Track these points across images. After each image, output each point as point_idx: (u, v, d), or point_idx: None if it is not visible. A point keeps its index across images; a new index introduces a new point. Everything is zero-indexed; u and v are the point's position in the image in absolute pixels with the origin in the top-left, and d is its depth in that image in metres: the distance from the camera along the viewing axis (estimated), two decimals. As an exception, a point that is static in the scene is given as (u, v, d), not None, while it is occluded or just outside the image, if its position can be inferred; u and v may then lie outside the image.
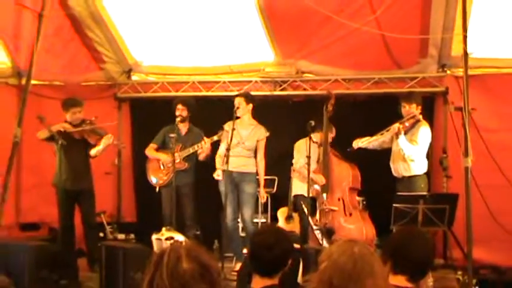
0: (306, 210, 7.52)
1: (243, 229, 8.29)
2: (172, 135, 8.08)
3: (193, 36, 8.70)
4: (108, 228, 8.94)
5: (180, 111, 8.26)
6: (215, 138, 7.99)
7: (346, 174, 7.89)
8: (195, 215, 8.30)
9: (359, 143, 7.65)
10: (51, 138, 7.78)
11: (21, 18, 8.22)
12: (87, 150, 7.92)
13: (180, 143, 8.20)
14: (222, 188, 7.82)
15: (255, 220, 8.40)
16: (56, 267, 6.64)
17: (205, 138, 8.06)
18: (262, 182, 8.08)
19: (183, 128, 8.34)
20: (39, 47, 6.73)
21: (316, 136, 7.94)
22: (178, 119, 8.23)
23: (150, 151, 8.47)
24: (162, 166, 8.32)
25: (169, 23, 8.53)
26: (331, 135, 8.06)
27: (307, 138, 7.71)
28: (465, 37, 6.27)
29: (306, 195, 7.63)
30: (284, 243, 3.68)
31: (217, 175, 7.89)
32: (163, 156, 8.31)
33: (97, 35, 8.77)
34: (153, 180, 8.38)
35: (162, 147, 8.43)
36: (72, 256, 7.68)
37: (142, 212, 9.76)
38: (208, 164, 8.17)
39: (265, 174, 8.16)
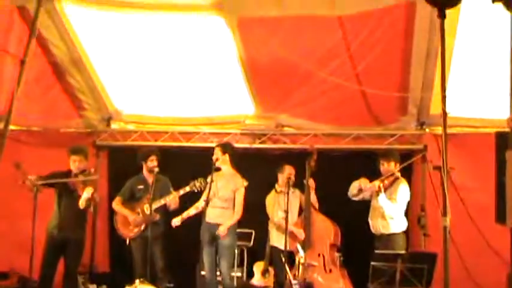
0: (284, 261, 7.47)
1: (220, 282, 8.17)
2: (140, 186, 8.10)
3: (175, 87, 8.72)
4: (79, 279, 8.76)
5: (154, 161, 8.20)
6: (187, 189, 7.91)
7: (328, 230, 7.87)
8: (166, 267, 8.18)
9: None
10: (49, 184, 7.71)
11: (2, 64, 8.20)
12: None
13: (150, 194, 8.09)
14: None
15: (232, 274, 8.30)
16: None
17: (173, 192, 8.00)
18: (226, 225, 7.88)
19: (150, 177, 8.23)
20: (19, 92, 6.68)
21: (279, 186, 8.03)
22: (147, 170, 8.19)
23: (117, 205, 8.35)
24: (132, 218, 8.19)
25: (151, 73, 8.55)
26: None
27: (273, 190, 7.75)
28: (444, 97, 6.31)
29: (281, 246, 7.61)
30: None
31: (176, 221, 7.88)
32: (130, 212, 8.19)
33: (78, 81, 8.74)
34: (122, 233, 8.25)
35: (130, 199, 8.31)
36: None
37: (116, 262, 9.60)
38: (172, 214, 8.12)
39: (242, 227, 8.08)
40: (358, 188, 7.61)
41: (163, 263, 8.11)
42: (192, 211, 7.97)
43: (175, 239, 8.34)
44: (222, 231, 7.73)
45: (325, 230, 7.88)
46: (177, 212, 8.10)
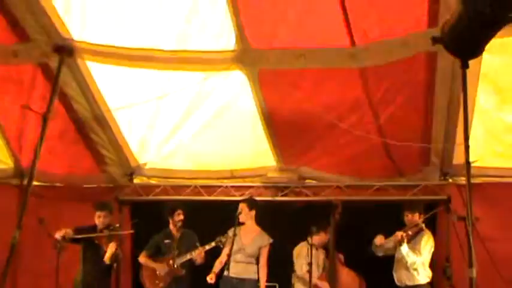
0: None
1: None
2: (167, 240, 8.14)
3: (197, 140, 8.75)
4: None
5: (181, 215, 8.23)
6: (212, 244, 7.90)
7: (354, 283, 7.79)
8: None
9: (382, 241, 7.53)
10: (75, 240, 7.72)
11: (26, 120, 8.33)
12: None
13: (177, 249, 8.10)
14: None
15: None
16: None
17: (199, 247, 7.96)
18: (263, 286, 7.89)
19: (176, 232, 8.27)
20: (42, 149, 6.77)
21: (315, 239, 7.88)
22: (174, 224, 8.20)
23: (144, 259, 8.38)
24: (158, 273, 8.16)
25: (173, 127, 8.59)
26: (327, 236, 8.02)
27: (306, 242, 7.67)
28: (467, 147, 6.28)
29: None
30: None
31: (210, 278, 7.78)
32: (158, 265, 8.18)
33: (100, 137, 8.82)
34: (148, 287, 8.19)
35: (156, 253, 8.30)
36: None
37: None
38: (206, 269, 8.05)
39: (266, 281, 8.01)
40: (375, 244, 7.54)
41: None
42: (218, 266, 7.91)
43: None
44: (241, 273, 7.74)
45: (351, 283, 7.79)
46: (203, 266, 8.05)
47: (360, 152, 8.26)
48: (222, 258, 7.82)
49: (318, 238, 7.95)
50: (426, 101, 7.45)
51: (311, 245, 7.56)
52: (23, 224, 6.54)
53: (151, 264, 8.25)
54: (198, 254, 7.96)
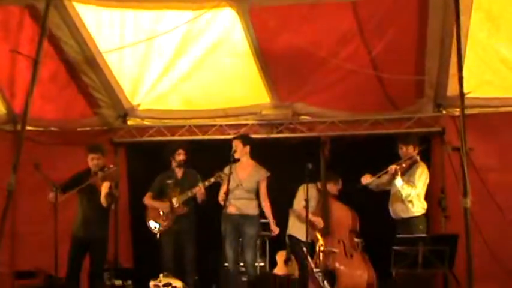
0: (306, 251, 7.47)
1: (243, 272, 8.18)
2: (169, 181, 8.14)
3: (189, 80, 8.70)
4: (105, 275, 8.82)
5: (182, 155, 8.26)
6: (212, 180, 7.92)
7: (346, 216, 7.87)
8: (195, 260, 8.21)
9: (368, 179, 7.59)
10: (69, 189, 7.78)
11: (16, 65, 8.25)
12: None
13: (178, 188, 8.17)
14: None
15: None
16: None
17: (199, 184, 8.01)
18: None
19: (179, 172, 8.33)
20: (34, 93, 6.72)
21: (330, 187, 7.97)
22: (176, 164, 8.25)
23: (148, 200, 8.41)
24: (162, 213, 8.22)
25: (165, 67, 8.53)
26: (338, 187, 8.10)
27: (315, 184, 7.76)
28: (461, 78, 6.28)
29: (299, 236, 7.60)
30: None
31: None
32: (161, 205, 8.23)
33: (92, 79, 8.75)
34: (155, 226, 8.26)
35: (160, 194, 8.36)
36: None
37: (139, 257, 9.65)
38: (206, 207, 8.13)
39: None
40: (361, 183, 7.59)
41: (193, 256, 8.17)
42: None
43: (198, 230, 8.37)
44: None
45: (344, 216, 7.88)
46: (207, 204, 8.12)
47: (353, 87, 8.24)
48: (220, 197, 7.85)
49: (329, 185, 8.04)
50: (419, 32, 7.39)
51: (307, 181, 7.59)
52: (19, 169, 6.55)
53: (155, 204, 8.30)
54: (198, 191, 7.99)
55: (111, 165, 8.06)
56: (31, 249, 9.08)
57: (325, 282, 7.30)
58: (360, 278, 7.48)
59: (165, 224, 8.18)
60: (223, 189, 7.78)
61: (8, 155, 8.30)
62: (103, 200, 7.71)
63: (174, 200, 8.10)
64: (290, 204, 8.15)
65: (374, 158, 8.04)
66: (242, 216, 7.82)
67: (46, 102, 8.68)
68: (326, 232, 7.73)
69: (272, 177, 8.01)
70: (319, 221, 7.74)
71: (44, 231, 8.27)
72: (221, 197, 7.78)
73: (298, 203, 7.96)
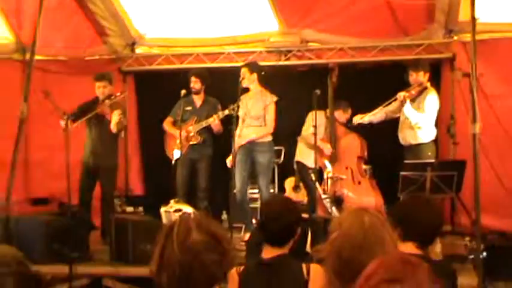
0: (314, 178, 7.55)
1: (252, 199, 8.28)
2: (188, 107, 8.21)
3: (197, 7, 8.64)
4: (116, 202, 8.96)
5: (193, 83, 8.27)
6: (226, 112, 7.91)
7: (354, 143, 7.89)
8: (208, 188, 8.33)
9: (358, 119, 7.64)
10: (78, 118, 7.83)
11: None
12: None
13: (196, 116, 8.21)
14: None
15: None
16: (67, 240, 6.68)
17: (214, 115, 8.03)
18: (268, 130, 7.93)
19: (198, 100, 8.34)
20: (42, 22, 6.70)
21: (339, 115, 7.95)
22: (193, 92, 8.26)
23: (167, 125, 8.47)
24: (179, 140, 8.28)
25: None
26: (346, 115, 8.08)
27: (324, 111, 7.75)
28: (473, 1, 6.20)
29: (307, 163, 7.67)
30: (290, 214, 3.67)
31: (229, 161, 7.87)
32: (177, 132, 8.27)
33: (99, 7, 8.70)
34: (177, 157, 8.32)
35: (179, 120, 8.37)
36: (84, 229, 7.72)
37: (150, 184, 9.79)
38: (220, 136, 8.22)
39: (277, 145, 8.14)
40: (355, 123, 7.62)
41: (205, 184, 8.29)
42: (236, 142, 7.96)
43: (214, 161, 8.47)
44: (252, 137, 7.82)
45: (351, 143, 7.89)
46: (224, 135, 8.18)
47: (362, 12, 8.17)
48: (238, 130, 7.89)
49: (339, 114, 8.03)
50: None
51: (315, 108, 7.59)
52: (30, 98, 6.59)
53: (172, 131, 8.34)
54: (212, 122, 8.04)
55: (118, 93, 8.09)
56: (44, 177, 9.22)
57: (333, 208, 7.40)
58: (367, 203, 7.56)
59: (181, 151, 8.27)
60: (235, 121, 7.81)
61: (17, 84, 8.35)
62: (113, 127, 7.76)
63: (191, 128, 8.16)
64: (298, 131, 8.17)
65: (383, 85, 8.02)
66: (253, 144, 7.86)
67: (54, 31, 8.64)
68: (334, 159, 7.78)
69: (280, 104, 8.01)
70: (327, 148, 7.77)
71: (56, 159, 8.38)
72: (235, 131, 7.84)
73: (307, 129, 7.98)
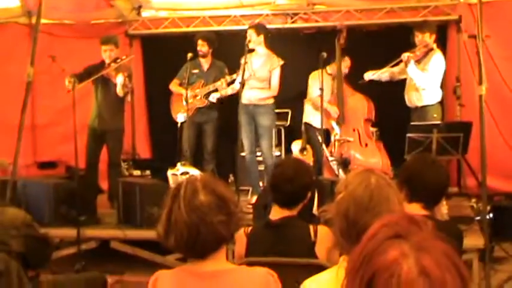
0: (320, 140, 7.57)
1: (260, 162, 8.34)
2: (195, 70, 8.19)
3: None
4: (123, 165, 9.01)
5: (200, 46, 8.24)
6: (234, 77, 7.93)
7: (361, 105, 7.87)
8: (214, 150, 8.37)
9: (370, 75, 7.60)
10: (83, 79, 7.83)
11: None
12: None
13: (203, 79, 8.21)
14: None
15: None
16: (74, 203, 6.74)
17: (222, 79, 8.04)
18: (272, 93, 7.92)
19: (205, 63, 8.32)
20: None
21: (331, 68, 7.92)
22: (200, 54, 8.24)
23: (174, 86, 8.47)
24: (185, 102, 8.27)
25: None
26: (346, 66, 8.02)
27: (321, 70, 7.68)
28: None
29: (315, 124, 7.70)
30: (304, 176, 3.69)
31: (211, 98, 8.03)
32: (184, 92, 8.25)
33: (105, -30, 8.69)
34: (182, 120, 8.35)
35: (186, 83, 8.37)
36: (92, 193, 7.78)
37: (157, 148, 9.84)
38: (226, 99, 8.22)
39: (278, 107, 8.14)
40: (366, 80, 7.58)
41: (212, 146, 8.32)
42: (228, 91, 8.04)
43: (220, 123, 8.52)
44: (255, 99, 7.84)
45: (359, 105, 7.88)
46: (231, 99, 8.15)
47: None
48: (234, 85, 7.90)
49: (333, 67, 7.97)
50: None
51: (322, 70, 7.58)
52: (36, 62, 6.59)
53: (180, 90, 8.35)
54: (220, 85, 8.05)
55: (124, 56, 8.08)
56: (51, 141, 9.27)
57: (339, 170, 7.44)
58: (374, 166, 7.58)
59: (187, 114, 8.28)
60: (237, 79, 7.81)
61: (24, 48, 8.34)
62: (119, 90, 7.76)
63: (198, 92, 8.17)
64: (305, 94, 8.17)
65: (390, 47, 7.98)
66: (256, 106, 7.84)
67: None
68: (341, 121, 7.79)
69: (287, 67, 8.00)
70: (334, 110, 7.78)
71: (62, 122, 8.43)
72: (235, 85, 7.84)
73: (312, 91, 7.99)
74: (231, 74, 8.03)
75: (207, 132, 8.28)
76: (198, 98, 8.16)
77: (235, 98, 7.84)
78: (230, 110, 8.08)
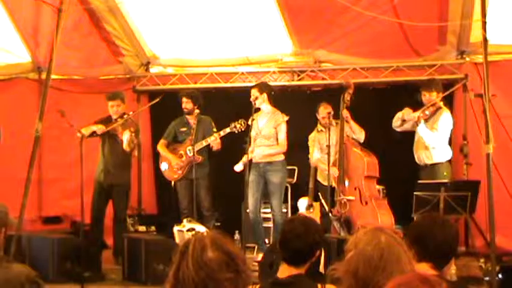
0: (324, 202, 7.55)
1: (266, 219, 8.29)
2: (183, 129, 8.28)
3: (211, 28, 8.71)
4: (129, 221, 8.98)
5: (185, 103, 8.29)
6: (227, 130, 7.98)
7: (360, 162, 7.81)
8: (213, 206, 8.34)
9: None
10: (92, 135, 7.88)
11: (40, 14, 8.31)
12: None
13: (192, 136, 8.21)
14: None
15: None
16: (79, 259, 6.69)
17: (215, 134, 8.07)
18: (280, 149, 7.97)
19: (192, 119, 8.34)
20: (59, 42, 6.78)
21: (321, 111, 8.04)
22: (185, 112, 8.31)
23: (161, 148, 8.51)
24: (176, 162, 8.32)
25: (186, 15, 8.55)
26: (327, 110, 8.03)
27: (315, 130, 7.77)
28: (484, 23, 6.22)
29: (322, 181, 7.77)
30: (314, 233, 3.65)
31: (236, 168, 7.95)
32: (172, 157, 8.34)
33: (115, 28, 8.81)
34: (165, 168, 8.43)
35: (173, 141, 8.44)
36: (97, 249, 7.73)
37: (163, 204, 9.79)
38: (230, 154, 8.23)
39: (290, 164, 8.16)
40: (402, 118, 7.54)
41: (208, 203, 8.29)
42: (250, 156, 8.00)
43: (221, 178, 8.51)
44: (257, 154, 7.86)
45: (358, 162, 7.82)
46: (227, 154, 8.22)
47: (375, 33, 8.20)
48: (251, 147, 7.95)
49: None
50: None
51: (329, 128, 7.62)
52: (44, 117, 6.64)
53: (169, 154, 8.38)
54: (213, 141, 8.06)
55: (131, 112, 8.13)
56: (57, 196, 9.26)
57: (341, 230, 7.39)
58: (373, 223, 7.49)
59: (179, 172, 8.28)
60: (248, 138, 7.86)
61: (33, 103, 8.43)
62: (126, 145, 7.79)
63: (189, 149, 8.18)
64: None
65: (395, 106, 8.01)
66: (265, 163, 7.89)
67: (70, 51, 8.74)
68: (342, 180, 7.75)
69: (294, 124, 8.03)
70: (334, 171, 7.75)
71: (69, 177, 8.42)
72: (251, 147, 7.90)
73: (311, 155, 8.08)
74: (219, 130, 8.08)
75: (202, 189, 8.24)
76: (191, 155, 8.10)
77: (229, 153, 7.96)
78: (225, 165, 8.16)
